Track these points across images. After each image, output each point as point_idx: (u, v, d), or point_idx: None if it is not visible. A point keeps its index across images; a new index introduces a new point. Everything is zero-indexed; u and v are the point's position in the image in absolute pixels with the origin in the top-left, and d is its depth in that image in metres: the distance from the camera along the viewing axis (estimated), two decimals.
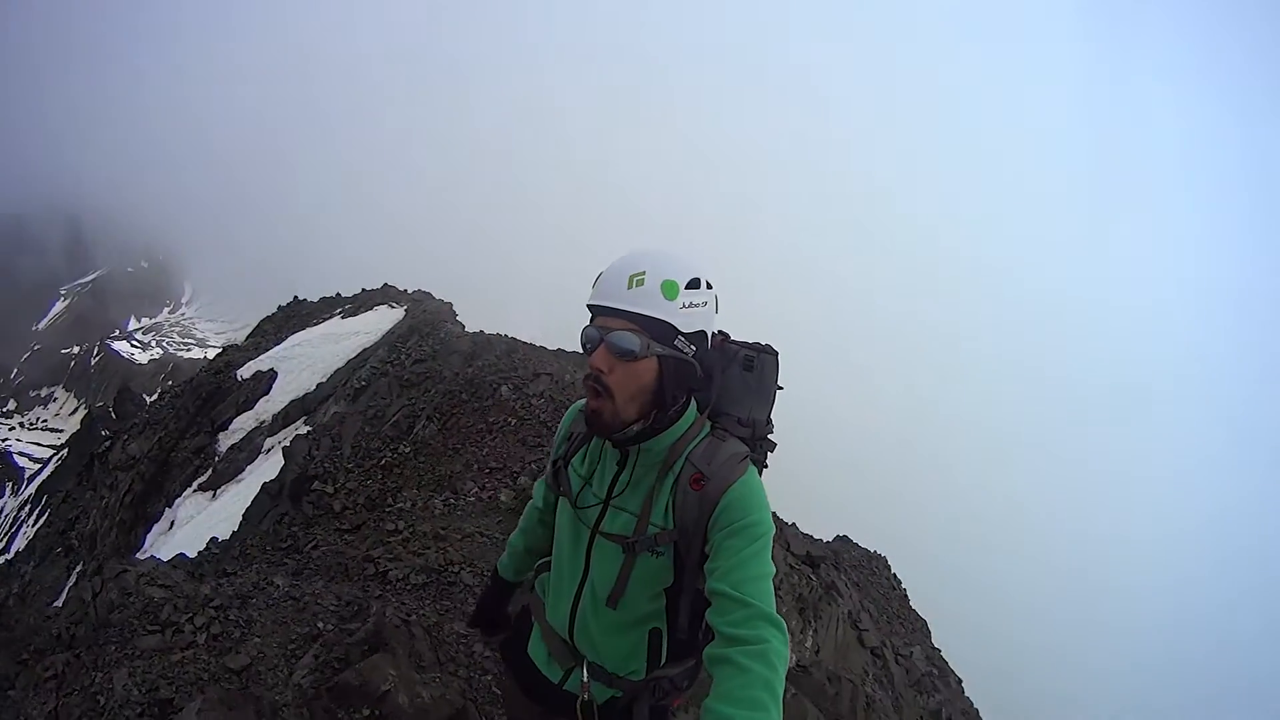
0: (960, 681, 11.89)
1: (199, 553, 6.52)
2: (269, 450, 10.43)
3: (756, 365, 1.74)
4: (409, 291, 15.42)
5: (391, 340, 11.62)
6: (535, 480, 4.46)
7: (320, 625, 4.07)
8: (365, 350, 11.82)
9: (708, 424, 1.70)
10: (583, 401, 1.84)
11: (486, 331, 11.25)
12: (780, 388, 1.78)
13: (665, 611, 1.71)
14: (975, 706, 11.56)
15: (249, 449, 10.74)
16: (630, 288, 1.53)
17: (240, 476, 10.22)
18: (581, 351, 1.62)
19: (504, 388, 7.76)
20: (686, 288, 1.56)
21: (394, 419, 7.77)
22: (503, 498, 6.23)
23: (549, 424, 7.10)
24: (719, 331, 1.81)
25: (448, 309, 14.03)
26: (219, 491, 10.12)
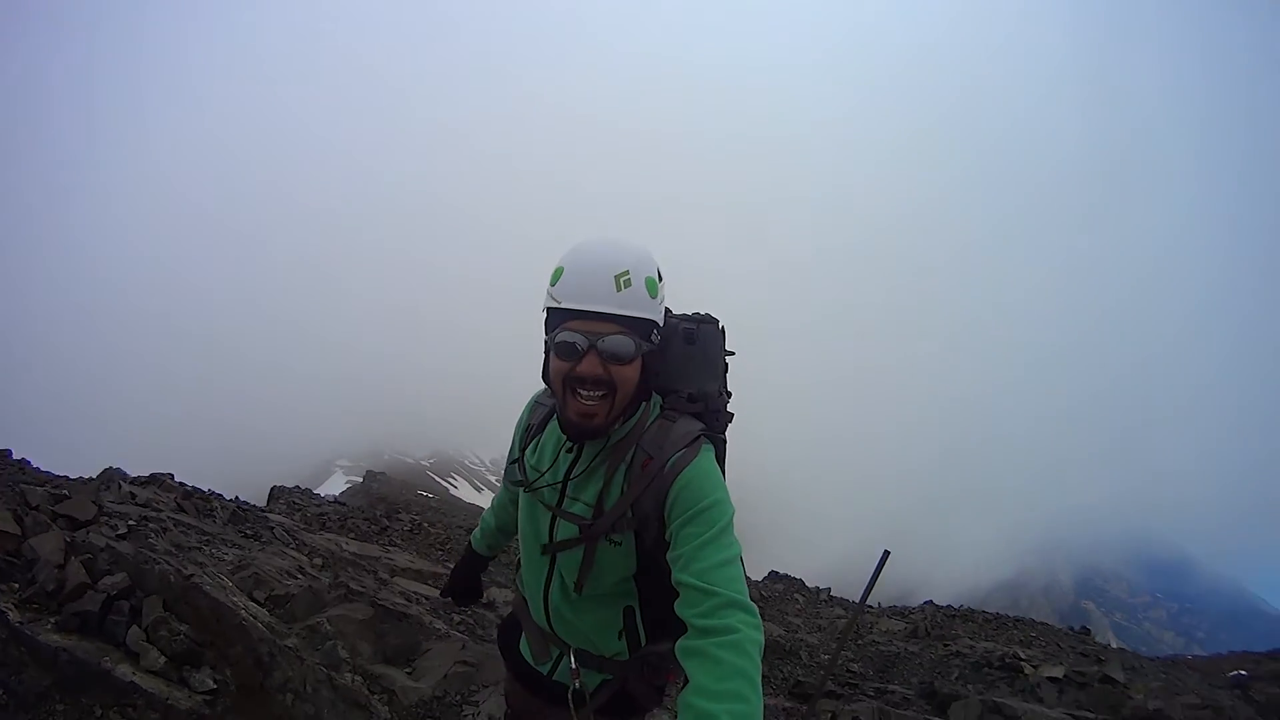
0: None
1: None
2: None
3: (699, 337, 1.68)
4: None
5: None
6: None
7: None
8: None
9: (657, 406, 1.66)
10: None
11: None
12: (731, 353, 1.73)
13: (636, 593, 1.71)
14: None
15: None
16: (619, 290, 1.46)
17: None
18: (560, 357, 1.52)
19: None
20: (660, 280, 1.54)
21: None
22: None
23: None
24: None
25: None
26: None
